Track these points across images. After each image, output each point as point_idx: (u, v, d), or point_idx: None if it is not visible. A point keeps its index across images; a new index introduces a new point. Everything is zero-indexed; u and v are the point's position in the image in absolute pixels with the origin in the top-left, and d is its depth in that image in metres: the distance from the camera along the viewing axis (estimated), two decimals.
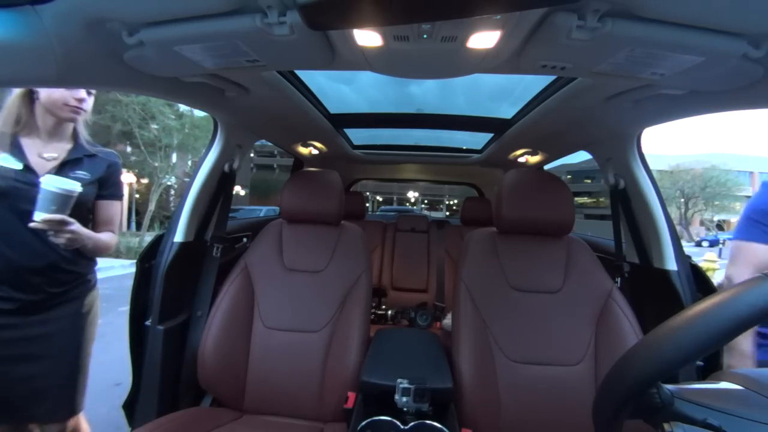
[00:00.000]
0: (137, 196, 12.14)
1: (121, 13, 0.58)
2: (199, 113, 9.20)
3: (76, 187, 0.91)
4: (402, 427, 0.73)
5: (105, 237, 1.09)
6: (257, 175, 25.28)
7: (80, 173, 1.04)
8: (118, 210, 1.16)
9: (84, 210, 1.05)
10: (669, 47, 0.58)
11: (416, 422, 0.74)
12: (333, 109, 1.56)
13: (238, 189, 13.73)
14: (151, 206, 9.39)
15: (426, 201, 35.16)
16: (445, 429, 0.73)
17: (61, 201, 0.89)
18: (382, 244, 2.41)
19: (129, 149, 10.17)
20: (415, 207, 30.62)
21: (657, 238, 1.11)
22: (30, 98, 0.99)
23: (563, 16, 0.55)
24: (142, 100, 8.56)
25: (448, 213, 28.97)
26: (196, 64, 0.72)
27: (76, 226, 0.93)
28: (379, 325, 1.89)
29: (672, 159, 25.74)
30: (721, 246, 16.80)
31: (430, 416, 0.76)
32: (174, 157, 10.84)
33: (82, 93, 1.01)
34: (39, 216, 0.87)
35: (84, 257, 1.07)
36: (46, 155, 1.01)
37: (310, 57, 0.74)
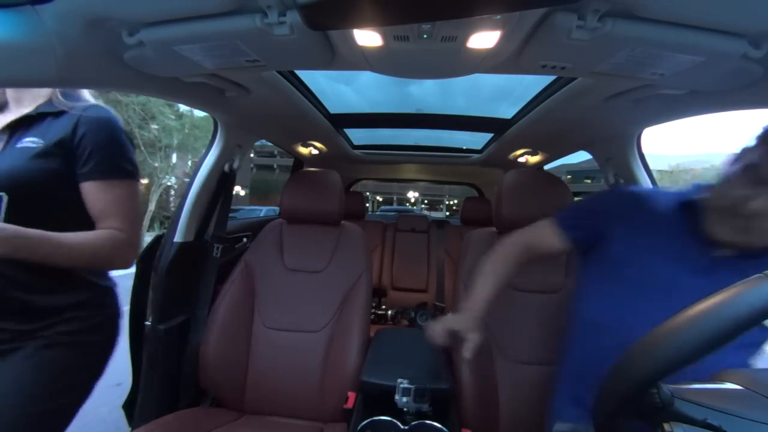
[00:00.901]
0: None
1: (121, 13, 0.58)
2: (199, 113, 9.22)
3: None
4: (402, 427, 0.73)
5: (85, 239, 0.68)
6: (257, 175, 25.31)
7: (29, 140, 0.69)
8: (114, 195, 0.73)
9: (40, 196, 0.68)
10: (669, 47, 0.58)
11: (416, 422, 0.74)
12: (333, 109, 1.56)
13: (238, 189, 13.73)
14: (151, 206, 9.40)
15: (426, 201, 35.17)
16: (445, 429, 0.73)
17: None
18: (382, 244, 2.41)
19: None
20: (415, 207, 30.62)
21: None
22: None
23: (563, 16, 0.55)
24: (142, 100, 8.57)
25: (448, 213, 28.99)
26: (196, 64, 0.72)
27: None
28: (379, 325, 1.89)
29: (672, 159, 25.87)
30: None
31: (430, 416, 0.76)
32: (174, 157, 10.85)
33: None
34: None
35: (54, 279, 0.68)
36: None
37: (310, 57, 0.74)
